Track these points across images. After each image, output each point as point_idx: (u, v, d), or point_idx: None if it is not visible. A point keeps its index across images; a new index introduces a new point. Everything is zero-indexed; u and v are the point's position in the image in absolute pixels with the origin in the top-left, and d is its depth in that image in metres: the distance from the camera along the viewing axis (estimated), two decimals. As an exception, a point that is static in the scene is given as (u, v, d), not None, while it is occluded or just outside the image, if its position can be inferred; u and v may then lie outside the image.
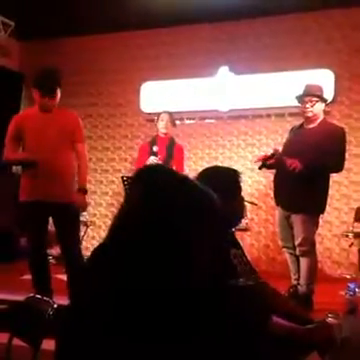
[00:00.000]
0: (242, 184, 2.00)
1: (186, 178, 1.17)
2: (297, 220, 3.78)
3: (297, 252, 3.83)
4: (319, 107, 3.83)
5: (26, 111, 3.76)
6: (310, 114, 3.82)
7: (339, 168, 3.82)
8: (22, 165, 3.69)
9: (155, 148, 4.65)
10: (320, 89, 3.88)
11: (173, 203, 1.05)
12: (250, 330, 1.12)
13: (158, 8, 5.42)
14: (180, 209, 1.04)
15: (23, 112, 3.84)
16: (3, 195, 5.41)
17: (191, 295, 1.00)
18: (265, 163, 3.82)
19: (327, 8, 5.36)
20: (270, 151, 3.91)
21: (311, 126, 3.87)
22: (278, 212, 4.04)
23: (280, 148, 3.99)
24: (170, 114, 4.79)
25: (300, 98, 3.89)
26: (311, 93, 3.82)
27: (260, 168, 3.91)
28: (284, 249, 4.10)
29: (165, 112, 4.80)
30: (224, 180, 1.92)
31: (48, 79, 3.52)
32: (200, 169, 2.00)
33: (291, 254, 3.99)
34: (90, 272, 1.08)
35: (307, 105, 3.80)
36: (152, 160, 4.51)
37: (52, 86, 3.50)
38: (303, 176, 3.59)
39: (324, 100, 3.88)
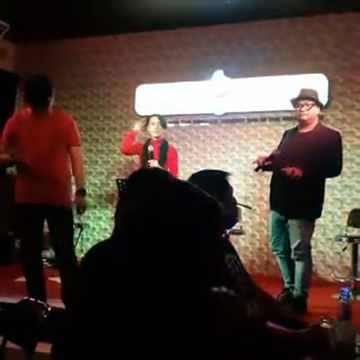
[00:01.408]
0: (230, 184, 1.98)
1: (184, 182, 1.17)
2: (294, 225, 3.79)
3: (292, 256, 3.83)
4: (314, 111, 3.84)
5: (21, 113, 3.75)
6: (305, 117, 3.83)
7: (337, 171, 3.83)
8: (16, 167, 3.71)
9: (150, 148, 4.65)
10: (316, 93, 3.89)
11: (171, 207, 1.05)
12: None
13: (154, 11, 5.43)
14: (178, 213, 1.04)
15: (18, 114, 3.83)
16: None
17: (189, 299, 1.00)
18: (261, 165, 3.84)
19: (322, 13, 5.40)
20: (268, 154, 3.93)
21: (306, 130, 3.88)
22: (272, 216, 4.05)
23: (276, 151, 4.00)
24: (160, 117, 4.80)
25: (295, 101, 3.90)
26: (307, 96, 3.83)
27: (256, 170, 3.92)
28: (274, 252, 4.12)
29: (155, 115, 4.82)
30: (208, 181, 1.92)
31: (37, 91, 3.51)
32: (194, 172, 2.01)
33: (281, 258, 4.00)
34: (88, 276, 1.08)
35: (303, 108, 3.80)
36: (153, 163, 4.53)
37: (41, 98, 3.51)
38: (303, 181, 3.61)
39: (320, 104, 3.89)
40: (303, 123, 3.89)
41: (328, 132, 3.93)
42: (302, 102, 3.82)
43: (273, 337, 1.56)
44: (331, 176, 3.96)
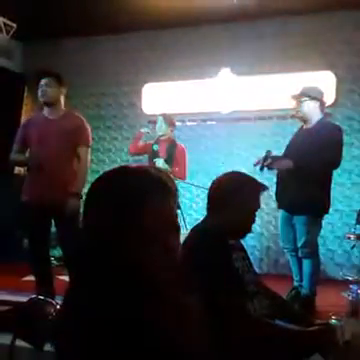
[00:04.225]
0: (254, 197, 1.91)
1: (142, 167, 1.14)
2: (299, 222, 3.78)
3: (300, 254, 3.83)
4: (310, 105, 3.83)
5: (33, 115, 3.87)
6: (300, 114, 3.87)
7: (334, 163, 3.77)
8: (26, 166, 3.77)
9: (155, 147, 4.69)
10: (311, 89, 3.89)
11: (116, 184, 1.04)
12: None
13: (160, 10, 5.43)
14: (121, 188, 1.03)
15: (30, 116, 3.94)
16: (5, 196, 5.42)
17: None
18: (263, 165, 3.87)
19: (329, 10, 5.36)
20: (263, 154, 3.94)
21: (309, 126, 3.89)
22: (281, 213, 4.05)
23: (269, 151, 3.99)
24: (164, 116, 4.81)
25: (293, 99, 3.94)
26: (300, 93, 3.85)
27: (261, 169, 3.94)
28: (285, 250, 4.11)
29: (160, 115, 4.84)
30: (231, 181, 1.91)
31: (41, 71, 3.71)
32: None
33: (292, 255, 4.00)
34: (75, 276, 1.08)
35: (297, 105, 3.85)
36: (158, 162, 4.57)
37: (45, 72, 3.64)
38: (300, 172, 3.61)
39: (314, 98, 3.86)
40: (302, 119, 3.92)
41: (329, 126, 3.92)
42: (296, 100, 3.86)
43: (281, 335, 1.56)
44: (329, 166, 3.86)
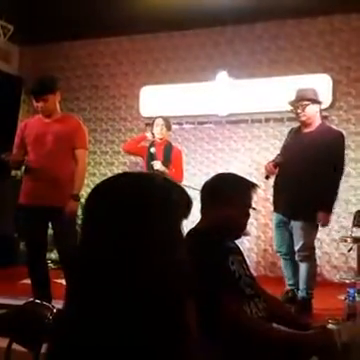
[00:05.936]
0: (249, 199, 1.89)
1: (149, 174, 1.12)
2: (297, 226, 3.77)
3: (296, 257, 3.81)
4: (312, 109, 3.80)
5: (30, 118, 3.88)
6: (304, 118, 3.82)
7: (341, 172, 3.80)
8: (24, 169, 3.78)
9: (152, 149, 4.67)
10: (311, 92, 3.86)
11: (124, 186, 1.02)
12: None
13: (157, 13, 5.44)
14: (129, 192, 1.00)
15: (28, 119, 3.95)
16: (2, 199, 5.40)
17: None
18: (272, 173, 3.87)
19: (326, 13, 5.39)
20: (273, 160, 3.92)
21: (309, 130, 3.86)
22: (275, 217, 4.03)
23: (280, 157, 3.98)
24: (164, 119, 4.80)
25: (292, 104, 3.89)
26: (301, 97, 3.82)
27: (267, 178, 3.94)
28: (278, 254, 4.10)
29: (159, 117, 4.82)
30: (208, 189, 1.92)
31: (37, 85, 3.62)
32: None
33: (285, 259, 3.98)
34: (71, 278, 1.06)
35: (298, 110, 3.80)
36: (156, 164, 4.55)
37: (39, 92, 3.57)
38: (307, 181, 3.61)
39: (317, 102, 3.86)
40: (304, 123, 3.88)
41: (331, 131, 3.91)
42: (297, 104, 3.81)
43: (279, 338, 1.56)
44: (335, 177, 3.87)
